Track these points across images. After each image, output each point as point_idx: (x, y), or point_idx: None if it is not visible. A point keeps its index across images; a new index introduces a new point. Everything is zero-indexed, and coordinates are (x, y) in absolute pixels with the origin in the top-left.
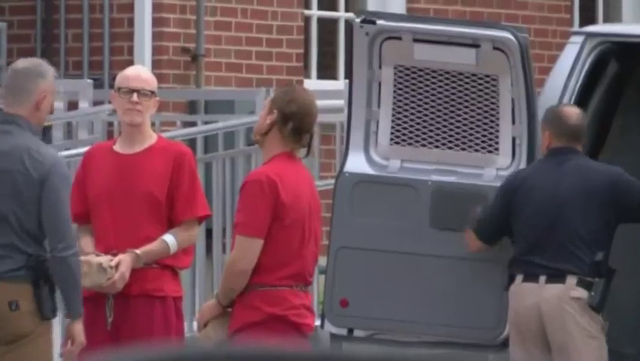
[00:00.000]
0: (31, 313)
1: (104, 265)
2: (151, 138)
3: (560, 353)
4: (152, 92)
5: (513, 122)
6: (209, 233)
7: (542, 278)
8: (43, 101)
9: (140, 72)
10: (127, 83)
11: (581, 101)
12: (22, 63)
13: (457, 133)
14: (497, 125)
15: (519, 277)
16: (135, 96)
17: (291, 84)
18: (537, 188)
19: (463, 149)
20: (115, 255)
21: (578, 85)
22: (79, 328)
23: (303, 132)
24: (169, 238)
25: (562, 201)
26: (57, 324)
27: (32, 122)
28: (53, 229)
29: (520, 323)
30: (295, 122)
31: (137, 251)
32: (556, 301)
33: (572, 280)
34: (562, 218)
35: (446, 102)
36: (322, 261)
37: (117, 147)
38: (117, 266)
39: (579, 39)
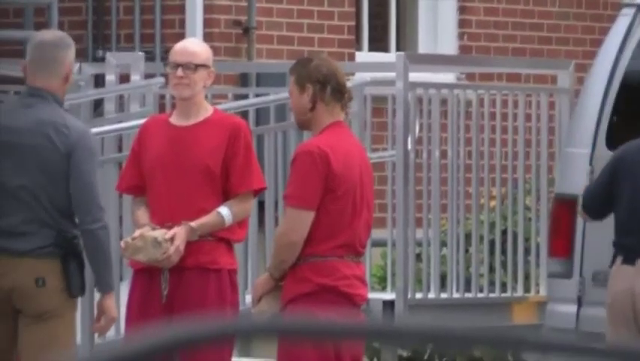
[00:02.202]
0: (58, 290)
1: (159, 240)
2: (206, 111)
3: None
4: (200, 65)
5: None
6: (261, 206)
7: (639, 261)
8: (70, 73)
9: (186, 46)
10: (173, 57)
11: (633, 74)
12: (48, 35)
13: None
14: None
15: (619, 259)
16: (180, 70)
17: (300, 59)
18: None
19: None
20: (170, 227)
21: (630, 57)
22: (110, 302)
23: (342, 87)
24: (224, 210)
25: None
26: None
27: (59, 95)
28: (81, 202)
29: (615, 305)
30: (332, 83)
31: (192, 224)
32: None
33: None
34: None
35: None
36: (375, 233)
37: (173, 120)
38: (172, 239)
39: (630, 11)
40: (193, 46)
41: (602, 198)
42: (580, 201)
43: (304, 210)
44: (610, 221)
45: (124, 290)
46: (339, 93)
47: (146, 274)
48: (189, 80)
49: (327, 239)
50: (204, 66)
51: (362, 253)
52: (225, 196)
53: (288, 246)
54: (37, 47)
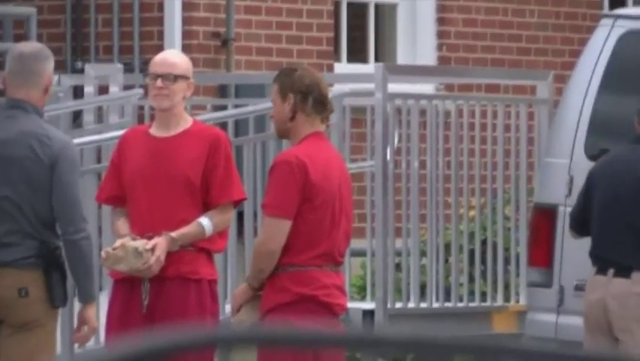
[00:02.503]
0: (40, 301)
1: (140, 250)
2: (186, 122)
3: (623, 346)
4: (179, 77)
5: None
6: (240, 216)
7: (610, 272)
8: (50, 85)
9: (166, 57)
10: (152, 68)
11: (609, 84)
12: (27, 47)
13: None
14: None
15: (593, 269)
16: (159, 81)
17: (284, 68)
18: (608, 176)
19: None
20: (150, 238)
21: (605, 67)
22: (91, 312)
23: (325, 100)
24: (205, 220)
25: (620, 193)
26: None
27: (39, 106)
28: (64, 212)
29: (589, 315)
30: (314, 94)
31: (173, 234)
32: (621, 296)
33: (637, 275)
34: (619, 210)
35: None
36: (355, 243)
37: (153, 131)
38: (153, 249)
39: (609, 22)
40: (173, 57)
41: (582, 215)
42: (568, 220)
43: (282, 219)
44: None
45: (103, 300)
46: (321, 105)
47: (126, 284)
48: (169, 90)
49: (306, 249)
50: (184, 77)
51: (341, 262)
52: (205, 207)
53: (266, 255)
54: (16, 59)
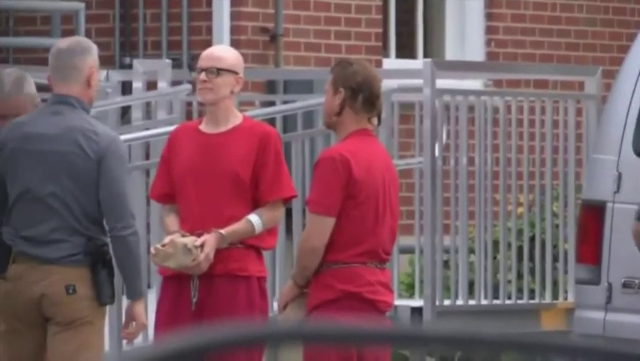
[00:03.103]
0: (88, 298)
1: (189, 246)
2: (236, 118)
3: None
4: (223, 70)
5: None
6: (288, 213)
7: None
8: (92, 77)
9: (213, 51)
10: (199, 62)
11: None
12: (65, 42)
13: None
14: None
15: None
16: (203, 75)
17: (342, 60)
18: None
19: None
20: (200, 235)
21: None
22: (139, 309)
23: (375, 99)
24: (254, 218)
25: None
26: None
27: (85, 100)
28: (111, 208)
29: None
30: (365, 93)
31: (222, 231)
32: None
33: None
34: None
35: None
36: (403, 240)
37: (203, 127)
38: (202, 246)
39: None
40: (219, 51)
41: None
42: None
43: (325, 216)
44: None
45: (152, 298)
46: (371, 104)
47: (175, 281)
48: (212, 84)
49: (350, 246)
50: (229, 71)
51: (386, 259)
52: (255, 204)
53: (309, 252)
54: (54, 55)
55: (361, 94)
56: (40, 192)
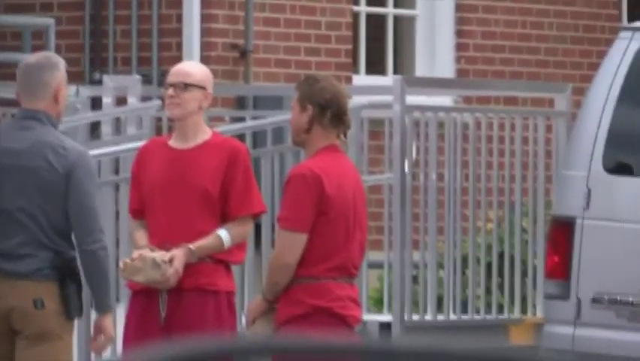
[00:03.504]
0: (56, 312)
1: (158, 261)
2: (205, 134)
3: None
4: (191, 85)
5: None
6: (257, 228)
7: None
8: (60, 93)
9: (181, 67)
10: (167, 78)
11: (628, 97)
12: (33, 58)
13: None
14: None
15: None
16: (171, 90)
17: (308, 76)
18: None
19: None
20: (169, 249)
21: (623, 80)
22: (107, 322)
23: (343, 115)
24: (223, 233)
25: None
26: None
27: (52, 115)
28: (81, 222)
29: None
30: (333, 109)
31: (191, 246)
32: None
33: None
34: None
35: None
36: (372, 256)
37: (172, 142)
38: (171, 261)
39: (628, 34)
40: (187, 67)
41: None
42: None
43: (297, 232)
44: (606, 242)
45: (120, 312)
46: (339, 120)
47: (144, 296)
48: (180, 99)
49: (321, 261)
50: (197, 86)
51: (355, 275)
52: (224, 219)
53: (281, 268)
54: (22, 71)
55: (329, 110)
56: (8, 206)
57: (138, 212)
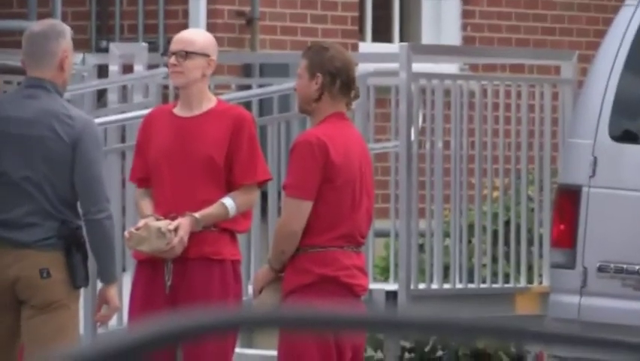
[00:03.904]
0: (62, 282)
1: (163, 230)
2: (210, 101)
3: None
4: (193, 53)
5: None
6: (264, 196)
7: None
8: (65, 61)
9: (183, 35)
10: (170, 46)
11: (634, 65)
12: (38, 26)
13: None
14: None
15: None
16: (173, 58)
17: (315, 44)
18: None
19: None
20: (174, 218)
21: (629, 48)
22: (113, 292)
23: (352, 83)
24: (228, 201)
25: None
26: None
27: (58, 84)
28: (87, 192)
29: None
30: (343, 78)
31: (196, 215)
32: None
33: None
34: None
35: None
36: (378, 224)
37: (177, 110)
38: (176, 230)
39: (634, 1)
40: (189, 34)
41: None
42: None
43: (303, 200)
44: (612, 211)
45: (126, 281)
46: (347, 88)
47: (149, 265)
48: (182, 67)
49: (327, 230)
50: (199, 54)
51: (362, 243)
52: (229, 187)
53: (287, 236)
54: (28, 39)
55: (339, 79)
56: (14, 176)
57: (143, 180)
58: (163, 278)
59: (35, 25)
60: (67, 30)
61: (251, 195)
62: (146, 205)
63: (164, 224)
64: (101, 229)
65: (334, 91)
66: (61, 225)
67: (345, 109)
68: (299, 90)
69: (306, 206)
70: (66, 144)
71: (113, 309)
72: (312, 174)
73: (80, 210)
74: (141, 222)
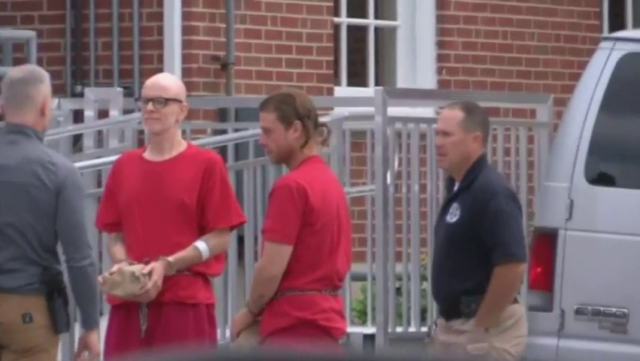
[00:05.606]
0: (44, 327)
1: (137, 274)
2: (180, 146)
3: None
4: (170, 100)
5: None
6: (240, 240)
7: None
8: (46, 106)
9: (157, 80)
10: (144, 92)
11: (609, 107)
12: (18, 71)
13: None
14: None
15: None
16: (150, 105)
17: (273, 96)
18: None
19: None
20: (147, 263)
21: (604, 90)
22: (94, 338)
23: (317, 121)
24: (201, 244)
25: None
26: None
27: (38, 130)
28: (69, 239)
29: None
30: (313, 117)
31: (169, 258)
32: None
33: None
34: None
35: None
36: (355, 267)
37: (147, 155)
38: (150, 274)
39: (608, 45)
40: (163, 80)
41: None
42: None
43: (282, 244)
44: (588, 253)
45: (104, 324)
46: (318, 126)
47: (123, 310)
48: (159, 114)
49: (306, 273)
50: (175, 100)
51: (339, 286)
52: (201, 231)
53: (266, 280)
54: (8, 85)
55: (312, 120)
56: None
57: (111, 225)
58: (138, 322)
59: (15, 71)
60: (47, 76)
61: (223, 238)
62: (119, 250)
63: (138, 268)
64: (84, 275)
65: (311, 132)
66: (43, 270)
67: (322, 147)
68: (274, 144)
69: (286, 250)
70: (50, 192)
71: (94, 355)
72: (292, 219)
73: (62, 255)
74: (115, 267)
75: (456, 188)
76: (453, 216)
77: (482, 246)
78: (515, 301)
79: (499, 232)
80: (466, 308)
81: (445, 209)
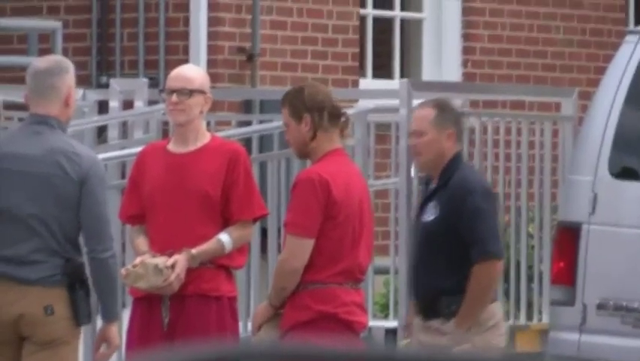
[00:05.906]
0: (65, 319)
1: (160, 267)
2: (204, 137)
3: None
4: (195, 91)
5: None
6: (264, 233)
7: None
8: (70, 97)
9: (181, 71)
10: (168, 83)
11: (634, 101)
12: (43, 62)
13: None
14: None
15: None
16: (174, 96)
17: (289, 91)
18: None
19: None
20: (170, 255)
21: (629, 84)
22: (114, 330)
23: (338, 111)
24: (224, 236)
25: None
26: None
27: (62, 120)
28: (92, 230)
29: None
30: (328, 108)
31: (193, 251)
32: None
33: None
34: None
35: None
36: (378, 261)
37: (171, 147)
38: (173, 266)
39: (634, 38)
40: (188, 71)
41: None
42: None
43: (305, 237)
44: (611, 247)
45: (126, 317)
46: (335, 117)
47: (146, 302)
48: (184, 105)
49: (328, 266)
50: (199, 92)
51: (361, 279)
52: (225, 223)
53: (289, 273)
54: (32, 75)
55: (325, 110)
56: (21, 212)
57: (135, 218)
58: (160, 315)
59: (40, 61)
60: (71, 66)
61: (247, 231)
62: (142, 242)
63: (161, 261)
64: (105, 268)
65: (325, 125)
66: (66, 262)
67: (340, 140)
68: (291, 138)
69: (308, 244)
70: (73, 182)
71: (113, 348)
72: (314, 212)
73: (84, 247)
74: (138, 260)
75: (432, 187)
76: (430, 215)
77: (460, 244)
78: (493, 299)
79: (477, 230)
80: (446, 309)
81: (422, 208)
